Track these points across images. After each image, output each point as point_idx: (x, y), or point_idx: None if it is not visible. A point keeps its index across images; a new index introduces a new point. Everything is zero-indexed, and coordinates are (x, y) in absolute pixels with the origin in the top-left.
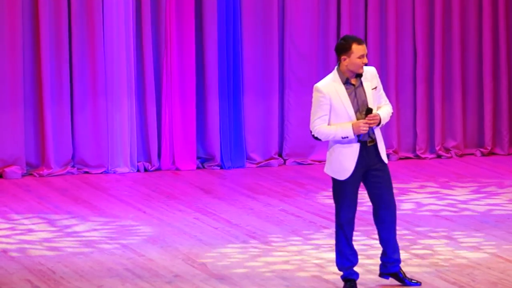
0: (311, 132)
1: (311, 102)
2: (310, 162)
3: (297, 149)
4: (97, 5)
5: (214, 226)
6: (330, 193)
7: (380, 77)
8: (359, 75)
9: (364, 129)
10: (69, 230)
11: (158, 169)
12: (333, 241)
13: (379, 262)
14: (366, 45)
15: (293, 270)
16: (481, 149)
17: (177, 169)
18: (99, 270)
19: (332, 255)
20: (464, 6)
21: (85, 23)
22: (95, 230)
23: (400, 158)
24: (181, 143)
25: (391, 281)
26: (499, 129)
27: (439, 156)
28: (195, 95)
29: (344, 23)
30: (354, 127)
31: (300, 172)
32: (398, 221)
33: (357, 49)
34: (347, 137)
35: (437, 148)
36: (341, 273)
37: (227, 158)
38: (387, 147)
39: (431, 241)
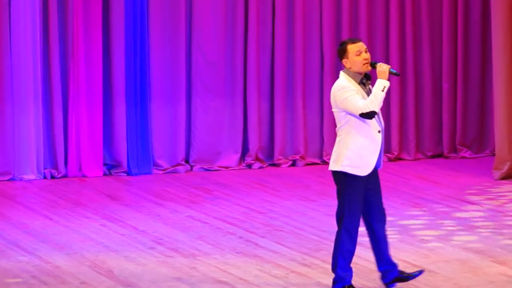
0: (362, 115)
1: (216, 109)
2: (217, 168)
3: (204, 155)
4: (4, 9)
5: (120, 233)
6: (236, 198)
7: (287, 83)
8: (368, 77)
9: (384, 66)
10: None
11: (65, 176)
12: (240, 246)
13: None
14: (272, 50)
15: (200, 276)
16: (388, 155)
17: (83, 176)
18: (5, 277)
19: (238, 261)
20: (371, 11)
21: None
22: (1, 237)
23: (307, 164)
24: (88, 150)
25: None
26: (405, 135)
27: None
28: (102, 101)
29: (251, 30)
30: (380, 75)
31: (206, 178)
32: (307, 227)
33: (352, 48)
34: (385, 87)
35: None
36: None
37: (134, 164)
38: (294, 152)
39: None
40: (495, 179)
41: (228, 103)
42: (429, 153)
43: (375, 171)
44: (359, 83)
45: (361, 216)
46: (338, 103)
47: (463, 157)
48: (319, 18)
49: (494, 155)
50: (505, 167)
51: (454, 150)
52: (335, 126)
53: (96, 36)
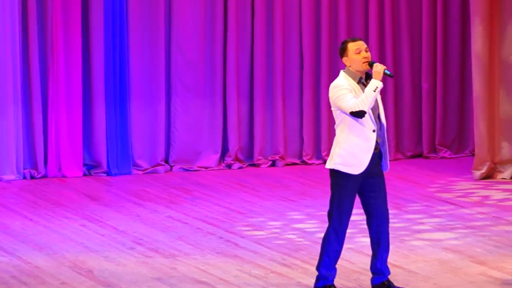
0: (352, 113)
1: (195, 109)
2: (196, 168)
3: (184, 155)
4: None
5: (100, 233)
6: (215, 199)
7: (267, 82)
8: (369, 77)
9: (380, 67)
10: None
11: (45, 176)
12: (220, 247)
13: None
14: (252, 50)
15: (180, 276)
16: None
17: (63, 176)
18: None
19: (218, 261)
20: (351, 11)
21: None
22: None
23: (287, 164)
24: (68, 150)
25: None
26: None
27: (325, 162)
28: (82, 102)
29: (231, 29)
30: (375, 75)
31: (186, 178)
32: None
33: (352, 46)
34: (377, 87)
35: (323, 154)
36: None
37: (114, 165)
38: (273, 153)
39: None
40: (475, 179)
41: (208, 103)
42: (409, 153)
43: (379, 174)
44: (358, 82)
45: (350, 216)
46: (332, 101)
47: (442, 157)
48: (298, 19)
49: (473, 155)
50: (485, 167)
51: (433, 150)
52: (314, 126)
53: (75, 37)
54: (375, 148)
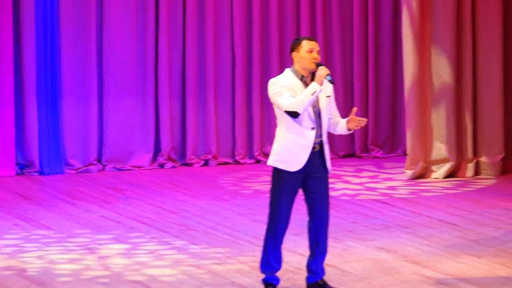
0: (287, 112)
1: (127, 108)
2: (129, 168)
3: (116, 155)
4: None
5: (35, 233)
6: (148, 198)
7: (199, 81)
8: (331, 81)
9: (323, 71)
10: None
11: None
12: (151, 246)
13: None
14: (184, 49)
15: (113, 276)
16: None
17: None
18: None
19: (152, 260)
20: (282, 10)
21: None
22: None
23: (219, 164)
24: (0, 149)
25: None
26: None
27: (258, 162)
28: (14, 100)
29: (162, 27)
30: (316, 78)
31: (119, 178)
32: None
33: (306, 44)
34: (315, 92)
35: (256, 154)
36: (263, 275)
37: (46, 164)
38: (206, 152)
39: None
40: (407, 179)
41: (140, 102)
42: (341, 153)
43: (321, 176)
44: (300, 80)
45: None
46: (270, 96)
47: (375, 157)
48: (230, 17)
49: (406, 155)
50: (418, 167)
51: (366, 149)
52: (247, 125)
53: (6, 34)
54: (314, 147)
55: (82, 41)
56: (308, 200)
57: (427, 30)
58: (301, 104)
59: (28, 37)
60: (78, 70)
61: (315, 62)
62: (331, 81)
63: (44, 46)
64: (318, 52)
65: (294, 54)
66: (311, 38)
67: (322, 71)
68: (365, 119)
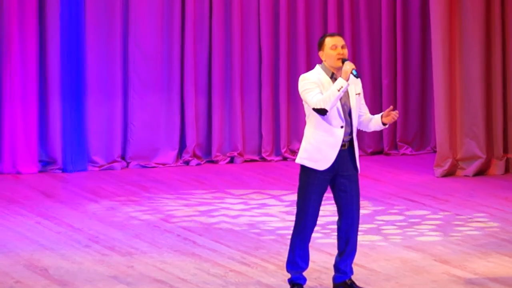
0: (315, 110)
1: (153, 105)
2: (153, 165)
3: (141, 151)
4: None
5: (56, 231)
6: (173, 196)
7: (224, 78)
8: (356, 76)
9: (348, 66)
10: None
11: None
12: (177, 245)
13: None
14: (210, 45)
15: (137, 275)
16: None
17: (18, 172)
18: None
19: (176, 259)
20: (309, 6)
21: None
22: None
23: (245, 161)
24: (23, 146)
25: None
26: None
27: (285, 159)
28: (37, 97)
29: (188, 24)
30: (342, 74)
31: (143, 175)
32: None
33: (329, 41)
34: (342, 87)
35: (282, 151)
36: (289, 275)
37: (69, 161)
38: (232, 149)
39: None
40: (437, 177)
41: (165, 99)
42: (369, 150)
43: (351, 174)
44: (331, 77)
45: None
46: (300, 93)
47: (403, 154)
48: (257, 14)
49: (435, 152)
50: (447, 164)
51: (394, 147)
52: (273, 122)
53: (31, 31)
54: (342, 145)
55: (107, 37)
56: (338, 199)
57: (456, 25)
58: (328, 100)
59: (53, 33)
60: (102, 66)
61: (340, 58)
62: (357, 76)
63: (69, 42)
64: (343, 47)
65: (320, 53)
66: (334, 33)
67: (347, 66)
68: (397, 112)
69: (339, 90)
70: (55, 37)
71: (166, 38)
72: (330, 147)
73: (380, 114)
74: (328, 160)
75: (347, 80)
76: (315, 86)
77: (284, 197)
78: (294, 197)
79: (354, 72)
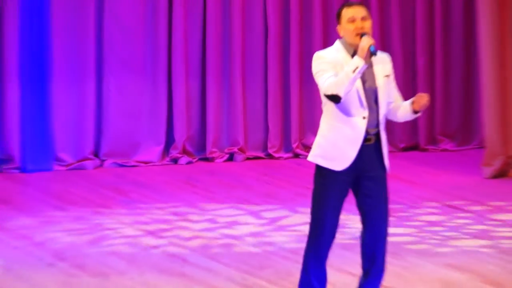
0: (327, 96)
1: (133, 90)
2: (134, 163)
3: (118, 147)
4: None
5: (12, 246)
6: (158, 202)
7: (222, 58)
8: (373, 53)
9: (365, 42)
10: None
11: None
12: (163, 263)
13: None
14: (204, 17)
15: None
16: None
17: None
18: None
19: (161, 281)
20: None
21: None
22: None
23: (248, 158)
24: None
25: None
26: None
27: (296, 156)
28: None
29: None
30: (358, 51)
31: (121, 176)
32: None
33: (346, 12)
34: (357, 68)
35: (293, 146)
36: None
37: (29, 159)
38: (231, 144)
39: None
40: (485, 178)
41: (149, 82)
42: (401, 145)
43: (379, 175)
44: (352, 56)
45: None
46: (313, 75)
47: (444, 150)
48: None
49: (483, 147)
50: (498, 163)
51: (433, 141)
52: (282, 111)
53: None
54: (367, 139)
55: (77, 7)
56: (362, 206)
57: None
58: (341, 84)
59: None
60: (71, 42)
61: (359, 33)
62: (374, 53)
63: (30, 13)
64: (363, 19)
65: (338, 27)
66: (352, 3)
67: (364, 41)
68: (427, 95)
69: (354, 72)
70: (12, 8)
71: (150, 7)
72: (349, 142)
73: (411, 99)
74: (347, 158)
75: (365, 59)
76: (330, 67)
77: (295, 203)
78: (307, 203)
79: (372, 48)
